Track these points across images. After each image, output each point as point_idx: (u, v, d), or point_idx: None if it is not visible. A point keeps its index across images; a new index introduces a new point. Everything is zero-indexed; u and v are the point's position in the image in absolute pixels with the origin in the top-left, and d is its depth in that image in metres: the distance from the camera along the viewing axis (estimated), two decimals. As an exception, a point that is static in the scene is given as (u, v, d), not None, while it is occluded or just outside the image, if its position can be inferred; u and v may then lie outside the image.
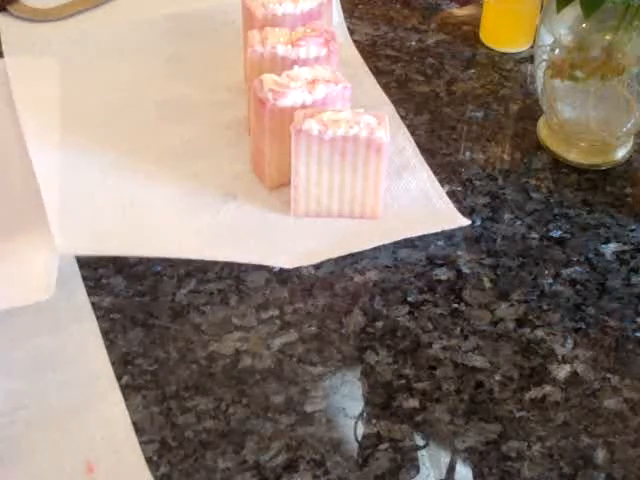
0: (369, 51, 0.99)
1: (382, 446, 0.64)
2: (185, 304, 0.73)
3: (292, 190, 0.78)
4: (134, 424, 0.64)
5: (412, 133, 0.88)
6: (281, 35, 0.83)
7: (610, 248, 0.79)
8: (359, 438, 0.65)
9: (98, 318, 0.71)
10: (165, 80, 0.94)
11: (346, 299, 0.74)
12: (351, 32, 1.02)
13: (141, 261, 0.76)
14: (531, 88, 0.95)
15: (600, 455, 0.64)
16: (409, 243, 0.78)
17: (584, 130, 0.85)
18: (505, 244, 0.79)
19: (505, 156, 0.87)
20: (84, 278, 0.74)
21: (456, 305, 0.74)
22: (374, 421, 0.66)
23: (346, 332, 0.71)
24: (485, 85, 0.96)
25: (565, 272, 0.76)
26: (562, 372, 0.69)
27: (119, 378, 0.67)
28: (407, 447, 0.64)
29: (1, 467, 0.62)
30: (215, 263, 0.76)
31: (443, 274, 0.76)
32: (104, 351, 0.69)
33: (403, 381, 0.68)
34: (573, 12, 0.78)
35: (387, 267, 0.76)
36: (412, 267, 0.76)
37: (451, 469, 0.63)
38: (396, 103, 0.92)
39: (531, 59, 0.94)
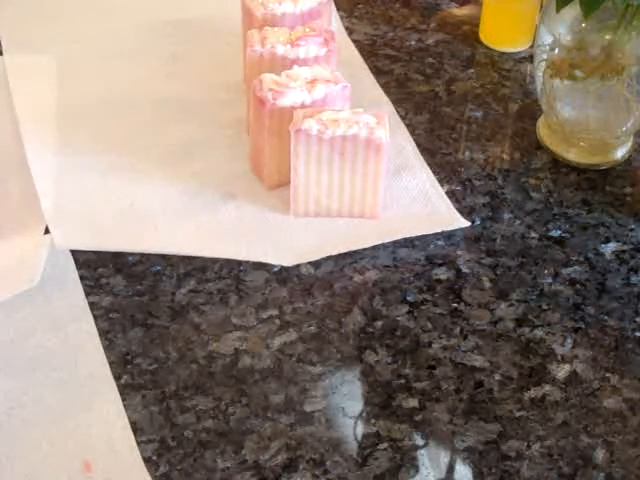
0: (369, 51, 0.99)
1: (381, 446, 0.64)
2: (184, 304, 0.73)
3: (291, 190, 0.78)
4: (133, 424, 0.64)
5: (411, 133, 0.89)
6: (280, 35, 0.83)
7: (609, 248, 0.79)
8: (358, 438, 0.65)
9: (97, 318, 0.71)
10: (165, 80, 0.94)
11: (345, 299, 0.74)
12: (350, 32, 1.02)
13: (140, 261, 0.76)
14: (531, 88, 0.95)
15: (599, 455, 0.64)
16: (408, 243, 0.78)
17: (584, 130, 0.85)
18: (504, 244, 0.79)
19: (504, 156, 0.87)
20: (84, 278, 0.74)
21: (455, 305, 0.74)
22: (373, 421, 0.66)
23: (345, 332, 0.71)
24: (485, 85, 0.96)
25: (564, 272, 0.76)
26: (562, 372, 0.69)
27: (118, 378, 0.67)
28: (406, 447, 0.64)
29: (-2, 466, 0.62)
30: (214, 263, 0.76)
31: (442, 274, 0.76)
32: (102, 350, 0.69)
33: (402, 381, 0.68)
34: (573, 12, 0.78)
35: (386, 267, 0.76)
36: (411, 267, 0.76)
37: (451, 469, 0.63)
38: (395, 103, 0.92)
39: (530, 59, 0.94)
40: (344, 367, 0.69)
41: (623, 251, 0.78)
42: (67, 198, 0.80)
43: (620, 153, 0.87)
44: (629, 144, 0.88)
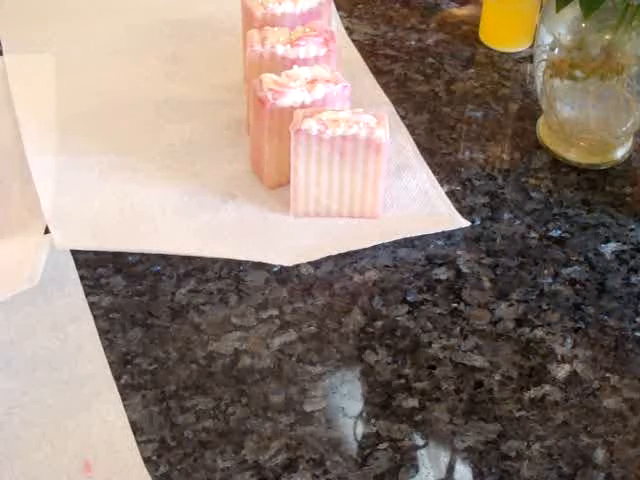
0: (369, 51, 0.99)
1: (381, 446, 0.64)
2: (184, 304, 0.73)
3: (291, 190, 0.78)
4: (133, 424, 0.64)
5: (411, 133, 0.89)
6: (280, 35, 0.83)
7: (609, 248, 0.79)
8: (358, 438, 0.65)
9: (97, 318, 0.71)
10: (165, 80, 0.94)
11: (345, 299, 0.74)
12: (350, 32, 1.02)
13: (140, 260, 0.76)
14: (530, 88, 0.95)
15: (599, 455, 0.64)
16: (408, 243, 0.78)
17: (583, 130, 0.85)
18: (504, 244, 0.79)
19: (504, 156, 0.87)
20: (84, 278, 0.74)
21: (455, 305, 0.74)
22: (373, 421, 0.66)
23: (345, 332, 0.71)
24: (484, 85, 0.96)
25: (564, 272, 0.76)
26: (561, 372, 0.69)
27: (118, 378, 0.67)
28: (406, 447, 0.64)
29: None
30: (214, 262, 0.76)
31: (442, 274, 0.76)
32: (102, 351, 0.69)
33: (402, 381, 0.68)
34: (572, 12, 0.78)
35: (386, 267, 0.76)
36: (411, 267, 0.76)
37: (450, 469, 0.63)
38: (395, 103, 0.92)
39: (530, 59, 0.94)
40: (344, 367, 0.69)
41: (623, 251, 0.78)
42: (67, 198, 0.80)
43: (620, 153, 0.87)
44: (629, 144, 0.88)
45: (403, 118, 0.90)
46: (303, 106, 0.77)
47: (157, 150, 0.86)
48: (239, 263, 0.76)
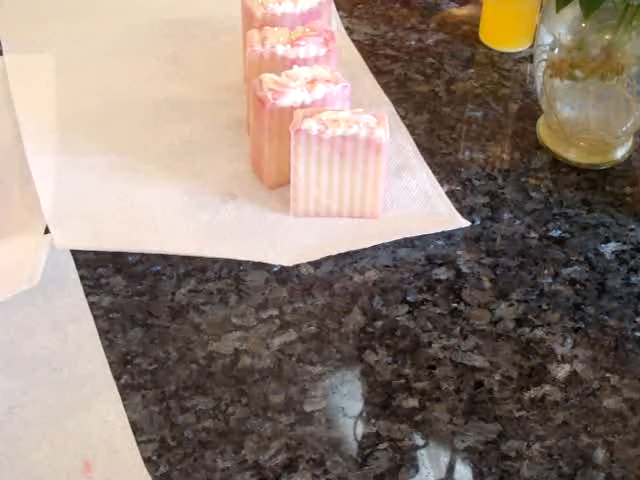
0: (369, 51, 1.00)
1: (381, 446, 0.64)
2: (184, 304, 0.73)
3: (291, 190, 0.78)
4: (133, 424, 0.64)
5: (411, 133, 0.89)
6: (280, 35, 0.83)
7: (609, 248, 0.79)
8: (358, 438, 0.65)
9: (97, 318, 0.71)
10: (165, 80, 0.94)
11: (345, 299, 0.74)
12: (350, 32, 1.02)
13: (140, 260, 0.76)
14: (530, 88, 0.95)
15: (599, 455, 0.64)
16: (408, 242, 0.78)
17: (583, 130, 0.85)
18: (504, 244, 0.79)
19: (504, 156, 0.87)
20: (84, 278, 0.74)
21: (455, 305, 0.74)
22: (373, 421, 0.66)
23: (345, 332, 0.71)
24: (484, 85, 0.96)
25: (564, 272, 0.76)
26: (561, 372, 0.69)
27: (118, 378, 0.67)
28: (406, 447, 0.64)
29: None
30: (214, 262, 0.76)
31: (442, 274, 0.76)
32: (102, 351, 0.69)
33: (402, 381, 0.68)
34: (572, 12, 0.78)
35: (386, 267, 0.76)
36: (411, 267, 0.76)
37: (450, 469, 0.63)
38: (395, 103, 0.92)
39: (530, 59, 0.94)
40: (344, 367, 0.69)
41: (623, 251, 0.78)
42: (67, 198, 0.80)
43: (620, 153, 0.87)
44: (629, 144, 0.88)
45: (403, 118, 0.90)
46: (303, 106, 0.77)
47: (157, 150, 0.86)
48: (239, 263, 0.76)
